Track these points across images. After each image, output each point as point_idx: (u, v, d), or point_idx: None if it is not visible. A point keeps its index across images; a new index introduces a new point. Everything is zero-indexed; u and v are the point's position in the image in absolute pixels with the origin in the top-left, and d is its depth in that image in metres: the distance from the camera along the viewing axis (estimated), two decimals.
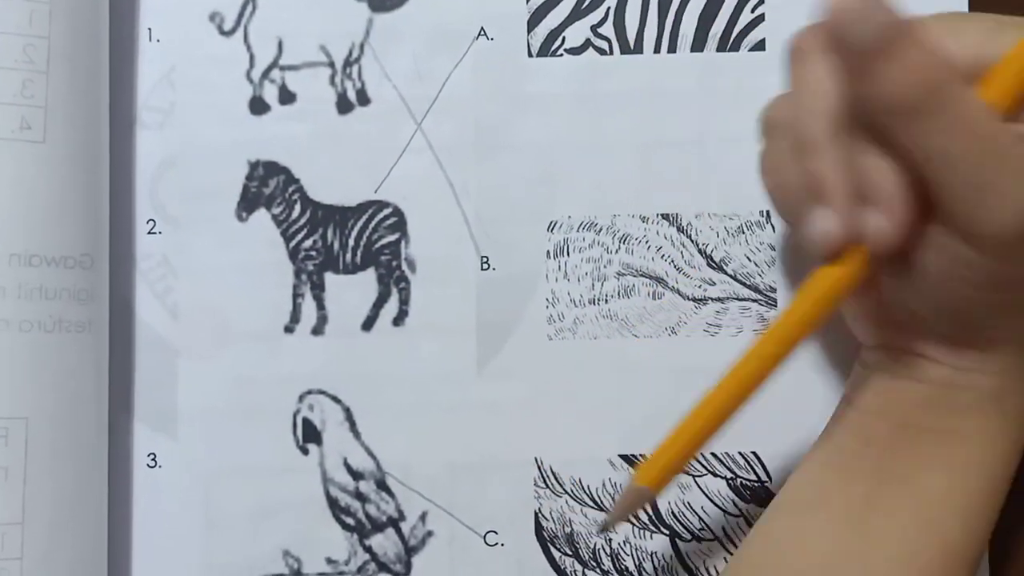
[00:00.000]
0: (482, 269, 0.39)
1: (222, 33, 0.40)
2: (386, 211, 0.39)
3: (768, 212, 0.38)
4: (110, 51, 0.38)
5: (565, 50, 0.39)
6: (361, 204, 0.39)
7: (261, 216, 0.39)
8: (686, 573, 0.38)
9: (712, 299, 0.39)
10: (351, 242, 0.39)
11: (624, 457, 0.38)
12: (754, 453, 0.38)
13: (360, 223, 0.39)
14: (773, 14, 0.39)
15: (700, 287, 0.39)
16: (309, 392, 0.39)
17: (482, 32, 0.39)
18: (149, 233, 0.39)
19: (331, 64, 0.39)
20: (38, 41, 0.35)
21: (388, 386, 0.39)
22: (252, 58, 0.40)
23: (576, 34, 0.39)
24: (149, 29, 0.40)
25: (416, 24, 0.39)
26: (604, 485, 0.38)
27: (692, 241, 0.39)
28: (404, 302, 0.39)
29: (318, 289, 0.39)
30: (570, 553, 0.38)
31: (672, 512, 0.38)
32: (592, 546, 0.38)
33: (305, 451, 0.39)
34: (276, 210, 0.39)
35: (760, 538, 0.34)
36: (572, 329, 0.39)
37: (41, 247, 0.35)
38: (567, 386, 0.38)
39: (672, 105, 0.39)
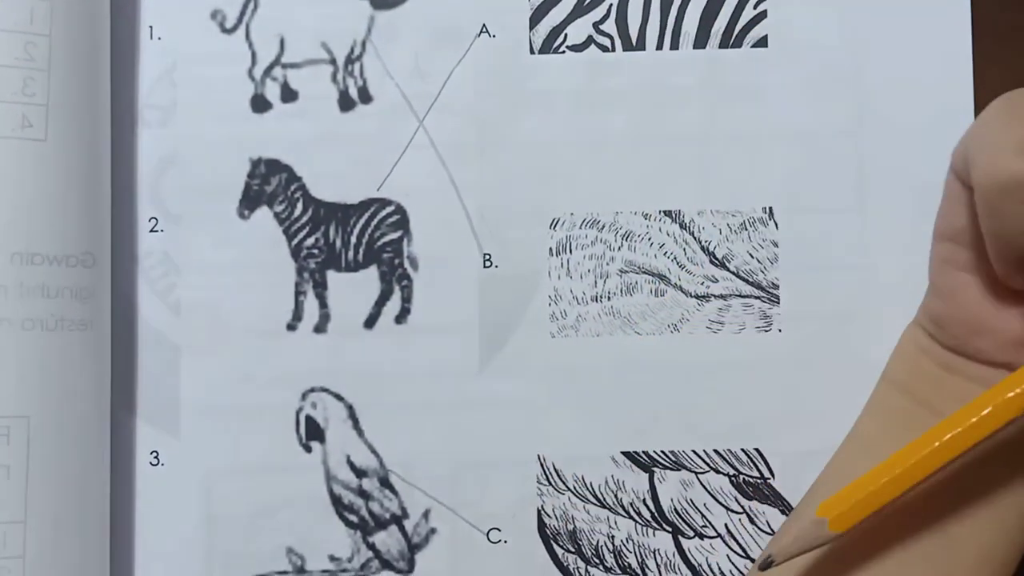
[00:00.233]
0: (484, 266, 0.39)
1: (224, 31, 0.40)
2: (388, 209, 0.39)
3: (770, 208, 0.38)
4: (111, 49, 0.38)
5: (567, 47, 0.39)
6: (363, 202, 0.39)
7: (263, 214, 0.39)
8: (689, 570, 0.38)
9: (715, 296, 0.38)
10: (353, 240, 0.39)
11: (626, 454, 0.38)
12: (757, 450, 0.38)
13: (362, 221, 0.39)
14: (775, 11, 0.39)
15: (703, 284, 0.39)
16: (312, 390, 0.39)
17: (484, 29, 0.39)
18: (151, 231, 0.39)
19: (333, 62, 0.39)
20: (39, 39, 0.35)
21: (391, 384, 0.39)
22: (254, 56, 0.40)
23: (578, 31, 0.39)
24: (150, 27, 0.40)
25: (418, 21, 0.39)
26: (607, 482, 0.38)
27: (694, 238, 0.39)
28: (406, 300, 0.39)
29: (320, 287, 0.39)
30: (573, 550, 0.38)
31: (675, 509, 0.38)
32: (595, 543, 0.38)
33: (308, 449, 0.39)
34: (278, 208, 0.39)
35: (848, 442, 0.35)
36: (575, 326, 0.39)
37: (43, 245, 0.35)
38: (570, 383, 0.38)
39: (674, 102, 0.39)
